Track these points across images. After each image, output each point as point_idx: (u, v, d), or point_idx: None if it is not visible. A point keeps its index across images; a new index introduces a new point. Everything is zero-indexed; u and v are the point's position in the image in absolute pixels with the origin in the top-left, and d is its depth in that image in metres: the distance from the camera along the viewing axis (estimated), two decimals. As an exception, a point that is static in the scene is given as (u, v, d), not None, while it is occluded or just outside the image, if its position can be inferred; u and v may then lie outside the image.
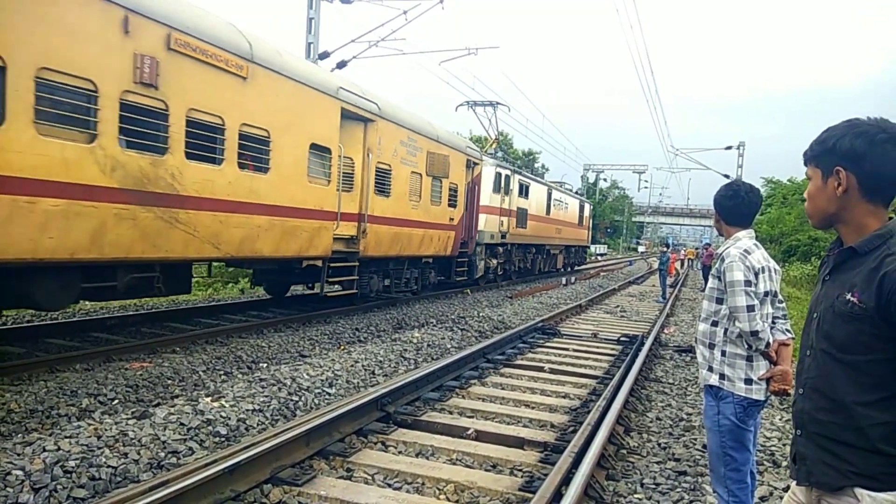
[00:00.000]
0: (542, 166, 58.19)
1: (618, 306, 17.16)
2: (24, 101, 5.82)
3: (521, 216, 22.40)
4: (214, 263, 11.16)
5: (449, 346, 9.65)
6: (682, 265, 35.92)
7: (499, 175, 20.13)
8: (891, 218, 1.82)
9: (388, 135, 12.41)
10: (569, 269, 32.37)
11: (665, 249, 23.01)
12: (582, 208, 34.19)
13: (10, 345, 7.97)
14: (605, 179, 75.83)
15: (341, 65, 16.98)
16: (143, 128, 7.07)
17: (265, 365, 8.00)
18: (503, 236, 20.67)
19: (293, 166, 9.66)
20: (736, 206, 3.42)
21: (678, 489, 4.56)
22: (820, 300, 1.90)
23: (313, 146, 10.12)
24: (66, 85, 6.22)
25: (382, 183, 12.45)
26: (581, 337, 11.22)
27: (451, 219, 15.95)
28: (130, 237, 7.05)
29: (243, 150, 8.65)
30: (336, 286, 11.76)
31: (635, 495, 4.44)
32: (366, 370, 7.61)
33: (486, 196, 19.19)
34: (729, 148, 37.34)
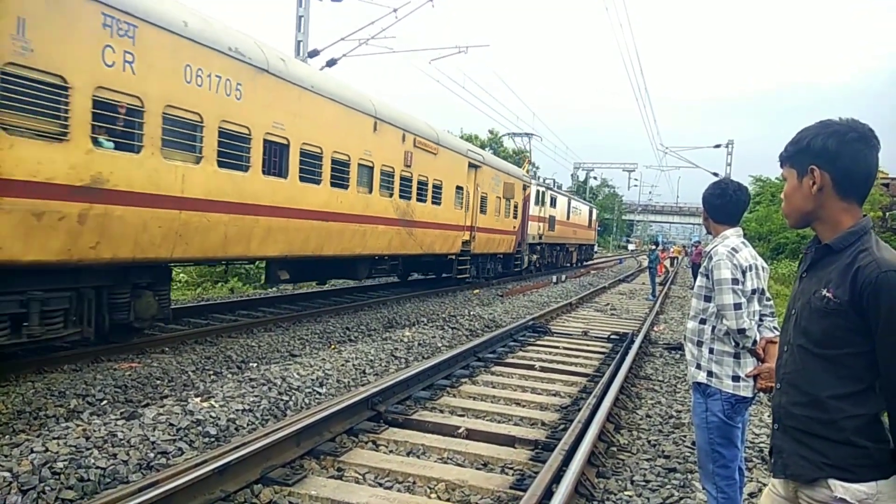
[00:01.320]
0: (533, 165, 58.17)
1: (608, 304, 17.23)
2: (378, 180, 12.78)
3: (552, 222, 29.40)
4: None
5: (440, 344, 9.66)
6: (672, 263, 36.13)
7: (538, 192, 27.14)
8: (864, 215, 1.86)
9: (486, 174, 19.68)
10: (580, 264, 39.16)
11: (654, 247, 23.11)
12: (591, 213, 41.83)
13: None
14: (595, 178, 76.14)
15: (331, 63, 16.91)
16: (405, 187, 14.06)
17: (255, 365, 7.97)
18: (540, 238, 27.44)
19: (450, 199, 16.84)
20: (724, 204, 3.44)
21: (668, 486, 4.59)
22: (797, 297, 1.95)
23: (457, 187, 17.36)
24: (388, 171, 13.23)
25: (483, 205, 19.53)
26: (571, 335, 11.25)
27: (514, 227, 22.96)
28: (399, 242, 14.00)
29: (434, 193, 15.72)
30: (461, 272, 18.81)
31: (625, 492, 4.47)
32: (356, 369, 7.60)
33: (531, 208, 25.57)
34: (718, 146, 37.56)
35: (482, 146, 46.62)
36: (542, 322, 12.11)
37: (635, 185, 71.70)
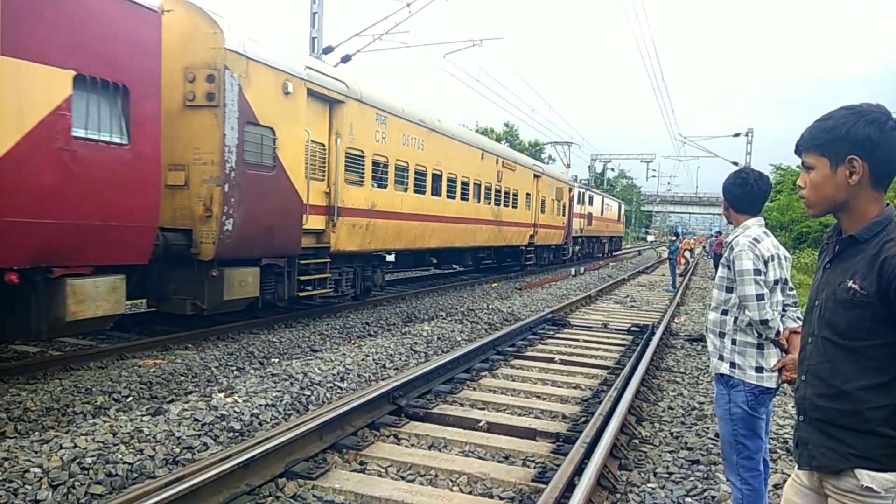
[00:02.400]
0: (549, 157, 57.91)
1: (627, 296, 17.13)
2: (483, 193, 18.41)
3: (589, 217, 34.63)
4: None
5: (459, 338, 9.67)
6: (692, 253, 35.77)
7: (580, 193, 32.42)
8: (888, 204, 1.83)
9: (545, 182, 25.18)
10: (611, 253, 44.38)
11: (674, 238, 22.91)
12: (620, 208, 48.07)
13: (25, 344, 8.06)
14: (612, 169, 75.47)
15: (346, 59, 16.93)
16: (497, 197, 19.33)
17: (277, 360, 8.05)
18: (581, 231, 32.56)
19: (522, 203, 22.18)
20: (745, 193, 3.40)
21: (691, 478, 4.57)
22: (821, 288, 1.91)
23: (526, 193, 22.62)
24: (488, 186, 18.65)
25: (542, 207, 24.77)
26: (591, 327, 11.21)
27: (563, 223, 28.45)
28: (493, 237, 19.21)
29: (513, 200, 21.02)
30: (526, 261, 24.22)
31: (648, 484, 4.45)
32: (377, 364, 7.64)
33: (574, 207, 30.70)
34: (737, 135, 37.05)
35: (497, 139, 47.18)
36: (562, 315, 12.08)
37: (654, 176, 71.03)
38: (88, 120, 6.48)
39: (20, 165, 5.81)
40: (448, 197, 15.69)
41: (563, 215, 28.16)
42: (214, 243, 8.16)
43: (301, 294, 10.38)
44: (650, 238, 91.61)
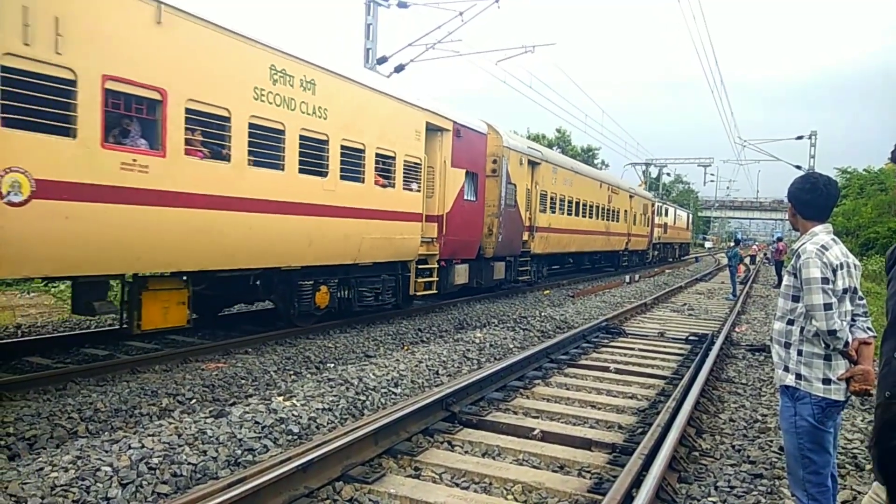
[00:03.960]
0: (602, 162, 57.19)
1: (685, 304, 16.73)
2: (599, 212, 25.34)
3: (665, 227, 40.48)
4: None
5: (511, 346, 9.63)
6: (752, 260, 34.68)
7: (658, 206, 38.10)
8: None
9: (637, 200, 31.48)
10: (681, 258, 48.77)
11: (733, 245, 22.26)
12: (688, 217, 54.21)
13: (94, 348, 8.43)
14: (668, 174, 73.78)
15: (399, 69, 17.13)
16: (607, 214, 26.17)
17: (332, 365, 8.18)
18: (658, 239, 37.95)
19: (622, 217, 28.77)
20: (813, 199, 3.28)
21: (754, 492, 4.43)
22: None
23: (624, 210, 28.85)
24: (602, 206, 25.46)
25: (634, 220, 30.66)
26: (647, 336, 11.00)
27: (647, 232, 34.29)
28: (603, 244, 25.78)
29: (615, 215, 27.48)
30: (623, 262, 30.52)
31: (709, 498, 4.33)
32: (430, 370, 7.68)
33: (655, 219, 36.35)
34: (800, 137, 35.75)
35: (549, 145, 47.39)
36: (616, 323, 11.89)
37: (712, 181, 69.08)
38: (468, 190, 13.66)
39: (452, 214, 12.98)
40: (582, 216, 22.60)
41: (647, 226, 34.49)
42: (493, 248, 14.94)
43: (520, 279, 17.58)
44: (708, 245, 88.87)
